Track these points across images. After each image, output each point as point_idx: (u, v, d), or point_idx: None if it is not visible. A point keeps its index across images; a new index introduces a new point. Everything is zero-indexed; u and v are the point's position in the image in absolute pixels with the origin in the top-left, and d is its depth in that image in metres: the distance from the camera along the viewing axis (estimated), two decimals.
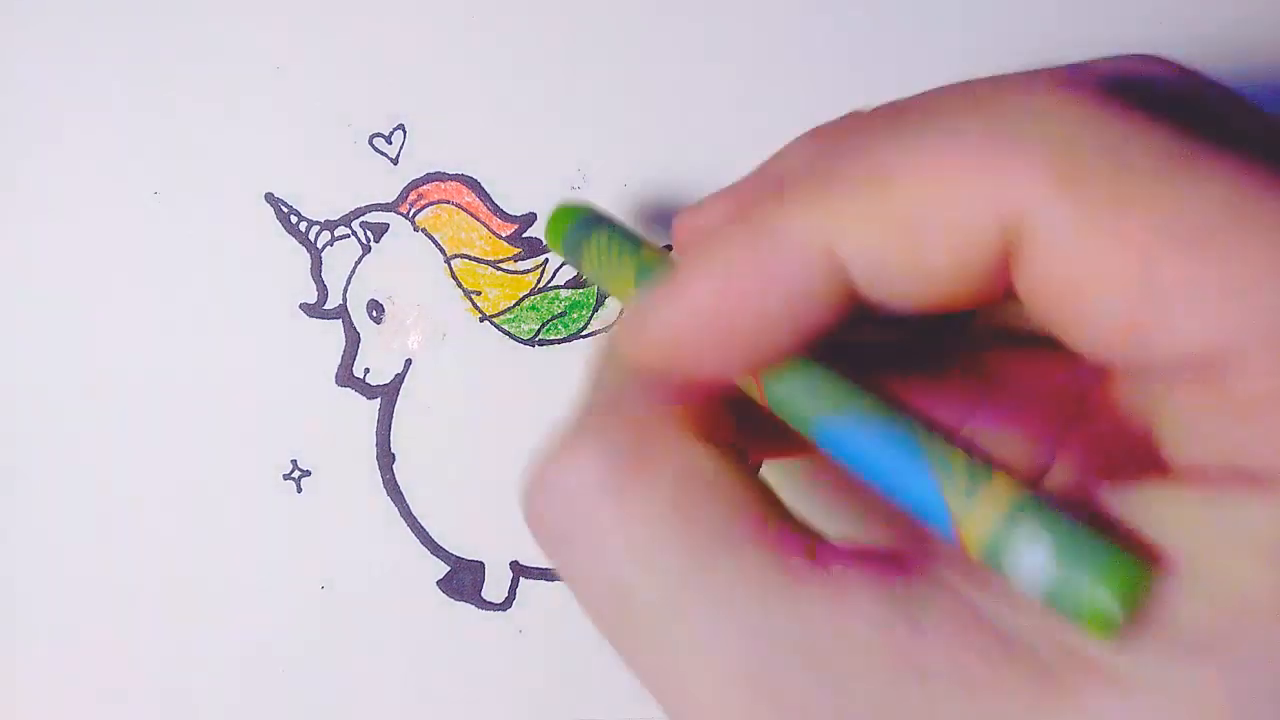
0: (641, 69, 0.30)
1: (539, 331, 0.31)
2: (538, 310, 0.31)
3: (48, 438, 0.31)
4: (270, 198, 0.30)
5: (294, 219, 0.30)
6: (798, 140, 0.19)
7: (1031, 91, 0.15)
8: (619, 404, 0.18)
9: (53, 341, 0.31)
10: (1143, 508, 0.15)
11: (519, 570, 0.32)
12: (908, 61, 0.29)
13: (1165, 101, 0.16)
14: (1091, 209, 0.13)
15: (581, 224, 0.25)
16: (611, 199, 0.30)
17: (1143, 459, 0.16)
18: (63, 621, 0.32)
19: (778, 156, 0.20)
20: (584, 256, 0.24)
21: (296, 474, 0.31)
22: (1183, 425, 0.14)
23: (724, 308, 0.16)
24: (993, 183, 0.14)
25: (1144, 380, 0.15)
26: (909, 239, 0.14)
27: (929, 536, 0.16)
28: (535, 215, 0.30)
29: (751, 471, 0.17)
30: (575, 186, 0.30)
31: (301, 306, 0.31)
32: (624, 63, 0.30)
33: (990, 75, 0.16)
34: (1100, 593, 0.14)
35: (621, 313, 0.22)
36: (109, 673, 0.32)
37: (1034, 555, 0.14)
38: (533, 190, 0.30)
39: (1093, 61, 0.18)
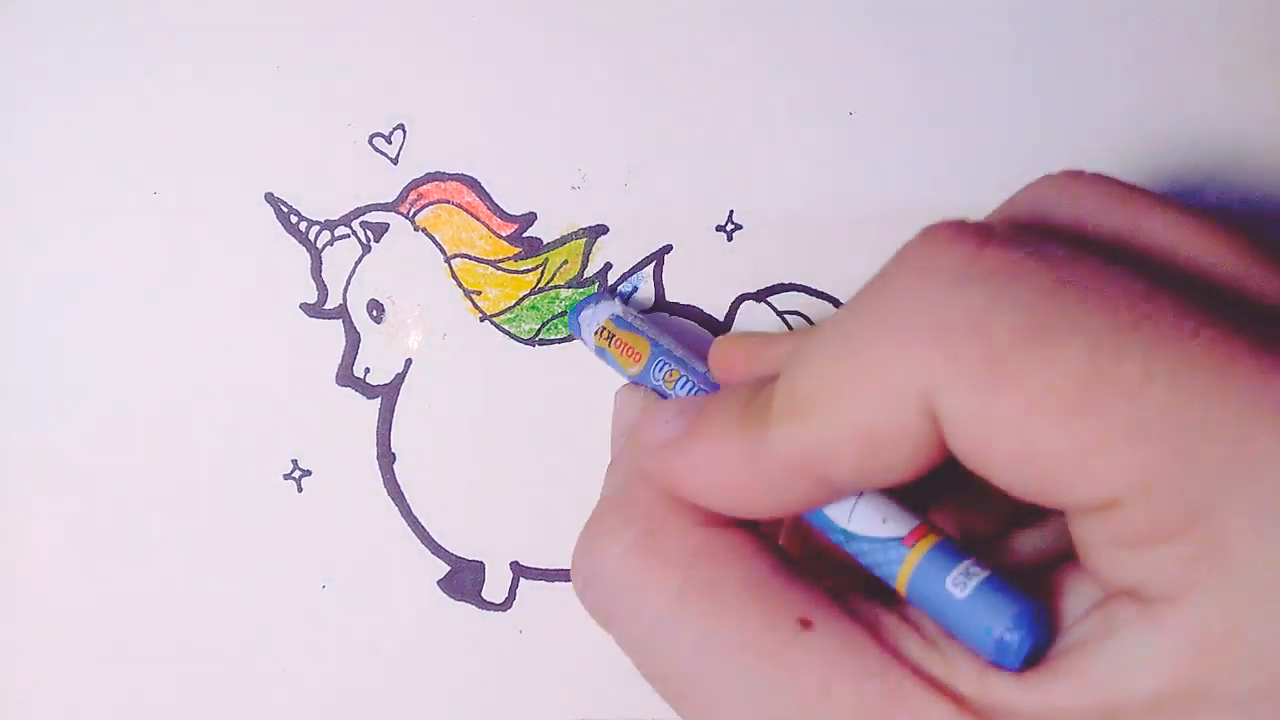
0: (641, 69, 0.30)
1: (539, 331, 0.31)
2: (538, 310, 0.31)
3: (48, 437, 0.31)
4: (270, 197, 0.30)
5: (294, 219, 0.30)
6: (780, 341, 0.23)
7: (926, 279, 0.16)
8: (637, 491, 0.21)
9: (53, 341, 0.31)
10: (1082, 592, 0.18)
11: (519, 570, 0.32)
12: (906, 62, 0.29)
13: (1074, 234, 0.18)
14: (974, 392, 0.15)
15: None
16: (611, 199, 0.30)
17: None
18: (62, 620, 0.32)
19: (774, 343, 0.23)
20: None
21: (297, 474, 0.31)
22: (1088, 546, 0.17)
23: (723, 491, 0.19)
24: (907, 381, 0.16)
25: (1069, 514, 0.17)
26: (863, 445, 0.17)
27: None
28: (535, 215, 0.30)
29: (754, 541, 0.20)
30: (575, 186, 0.30)
31: (302, 306, 0.31)
32: (624, 63, 0.30)
33: (891, 259, 0.18)
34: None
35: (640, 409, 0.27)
36: (109, 671, 0.32)
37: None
38: (533, 190, 0.30)
39: (1015, 196, 0.21)
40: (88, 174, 0.30)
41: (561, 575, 0.32)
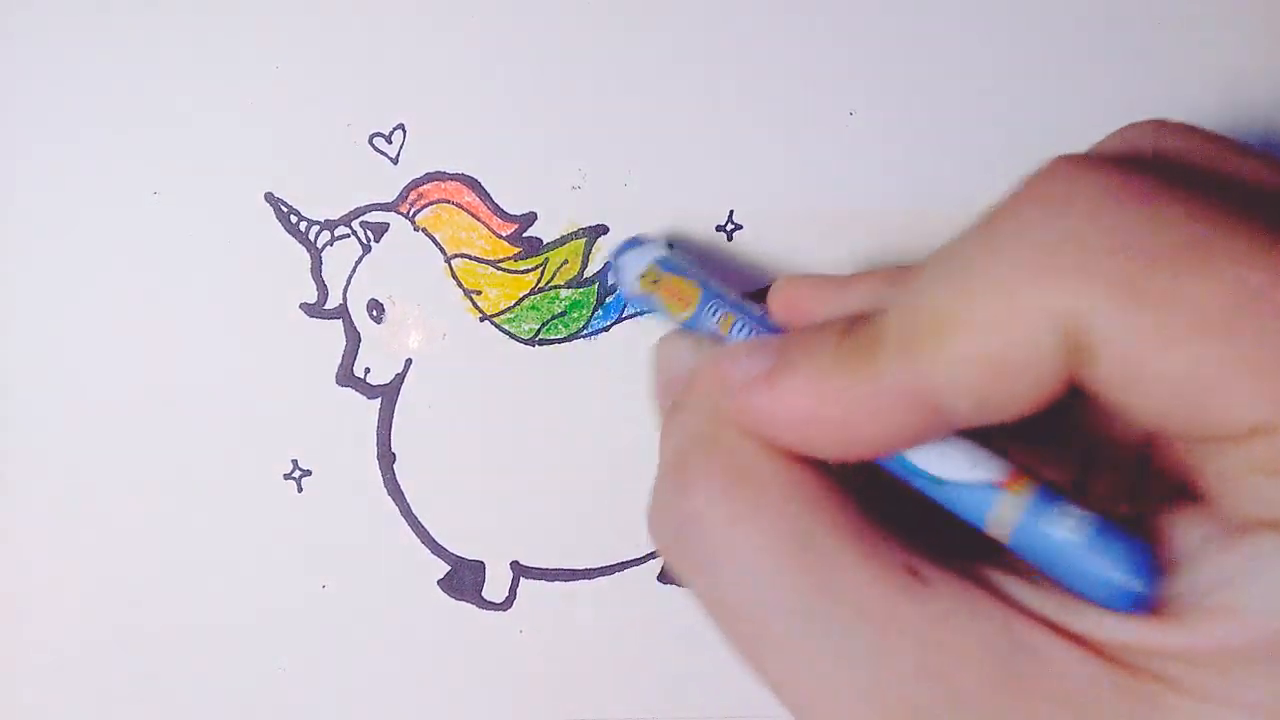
0: (641, 69, 0.30)
1: (539, 331, 0.31)
2: (538, 310, 0.31)
3: (48, 437, 0.31)
4: (270, 197, 0.30)
5: (294, 219, 0.30)
6: (877, 275, 0.22)
7: (1065, 204, 0.16)
8: (717, 435, 0.19)
9: (52, 341, 0.31)
10: (1186, 532, 0.17)
11: (519, 570, 0.32)
12: (906, 62, 0.29)
13: (1182, 173, 0.17)
14: (1128, 312, 0.14)
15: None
16: (611, 199, 0.30)
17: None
18: (62, 620, 0.32)
19: (860, 281, 0.23)
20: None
21: (297, 474, 0.31)
22: (1226, 476, 0.16)
23: (821, 427, 0.18)
24: (1050, 304, 0.15)
25: (1201, 445, 0.17)
26: (989, 372, 0.16)
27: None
28: (535, 215, 0.30)
29: (838, 487, 0.19)
30: (575, 186, 0.30)
31: (302, 306, 0.31)
32: (624, 63, 0.30)
33: (1017, 189, 0.17)
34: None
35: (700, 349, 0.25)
36: (109, 671, 0.32)
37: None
38: (533, 190, 0.30)
39: (1106, 141, 0.20)
40: (88, 174, 0.30)
41: (561, 575, 0.32)
